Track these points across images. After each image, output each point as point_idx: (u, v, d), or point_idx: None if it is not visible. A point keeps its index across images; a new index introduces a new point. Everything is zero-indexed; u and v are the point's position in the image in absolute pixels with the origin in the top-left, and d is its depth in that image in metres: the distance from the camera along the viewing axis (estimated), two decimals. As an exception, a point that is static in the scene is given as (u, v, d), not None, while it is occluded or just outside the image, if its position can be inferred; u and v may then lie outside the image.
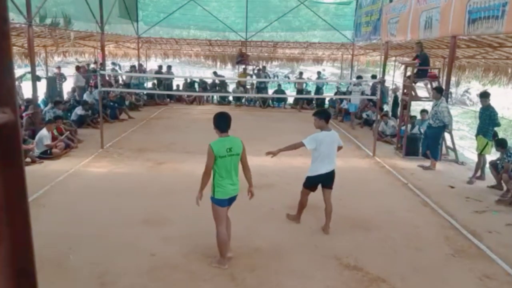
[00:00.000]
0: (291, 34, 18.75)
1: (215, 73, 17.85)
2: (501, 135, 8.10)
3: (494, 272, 4.30)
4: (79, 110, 11.24)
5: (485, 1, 6.66)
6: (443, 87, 8.71)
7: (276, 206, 5.86)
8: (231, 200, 4.13)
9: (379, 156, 8.97)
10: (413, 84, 9.16)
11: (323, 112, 5.01)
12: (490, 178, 7.31)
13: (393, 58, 16.31)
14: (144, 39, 18.30)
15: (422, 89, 11.35)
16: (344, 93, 15.38)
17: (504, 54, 10.02)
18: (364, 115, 12.91)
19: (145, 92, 16.42)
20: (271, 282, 3.99)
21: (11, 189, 0.69)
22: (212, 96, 17.11)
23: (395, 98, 13.09)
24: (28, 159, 7.64)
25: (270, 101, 16.81)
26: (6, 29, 0.66)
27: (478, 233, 5.21)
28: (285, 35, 18.79)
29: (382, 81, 10.59)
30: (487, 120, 7.26)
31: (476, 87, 20.11)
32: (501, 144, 6.82)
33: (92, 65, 16.10)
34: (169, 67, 17.90)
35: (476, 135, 7.55)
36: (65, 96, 14.05)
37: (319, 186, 5.04)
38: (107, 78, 14.49)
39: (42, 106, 11.37)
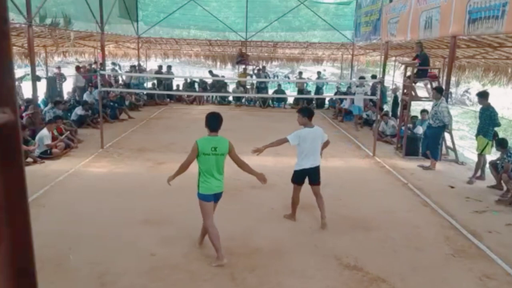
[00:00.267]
0: (291, 34, 18.75)
1: (210, 72, 17.79)
2: (501, 135, 8.09)
3: (494, 272, 4.30)
4: (79, 110, 11.24)
5: (485, 1, 6.66)
6: (443, 87, 8.71)
7: (276, 206, 5.86)
8: (217, 196, 4.22)
9: (379, 156, 8.97)
10: (413, 84, 9.17)
11: (306, 110, 5.31)
12: (490, 178, 7.31)
13: (393, 58, 16.32)
14: (144, 39, 18.30)
15: (422, 89, 11.34)
16: (344, 93, 15.39)
17: (504, 54, 10.02)
18: (364, 115, 12.91)
19: (145, 92, 16.43)
20: (271, 282, 3.99)
21: (11, 189, 0.69)
22: (212, 96, 17.11)
23: (395, 98, 13.10)
24: (29, 159, 7.65)
25: (270, 101, 16.81)
26: (6, 29, 0.65)
27: (478, 233, 5.21)
28: (285, 35, 18.78)
29: (382, 81, 10.59)
30: (487, 120, 7.25)
31: (476, 87, 20.09)
32: (501, 144, 6.82)
33: (92, 65, 16.11)
34: (169, 67, 17.91)
35: (476, 135, 7.54)
36: (65, 96, 14.07)
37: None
38: (107, 78, 14.50)
39: (42, 106, 11.38)
